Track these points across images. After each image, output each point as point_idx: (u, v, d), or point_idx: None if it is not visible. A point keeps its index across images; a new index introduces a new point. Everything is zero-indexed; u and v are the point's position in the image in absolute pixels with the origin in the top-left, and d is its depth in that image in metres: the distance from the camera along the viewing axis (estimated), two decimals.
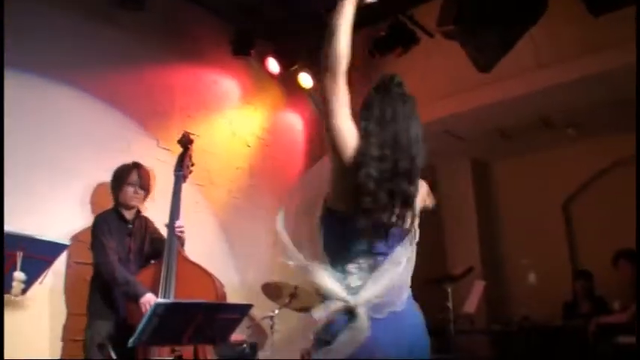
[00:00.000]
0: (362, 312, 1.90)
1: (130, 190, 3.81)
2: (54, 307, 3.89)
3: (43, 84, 4.14)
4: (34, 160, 3.96)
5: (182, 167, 3.92)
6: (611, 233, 5.82)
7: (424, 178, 2.24)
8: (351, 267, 2.00)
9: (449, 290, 5.03)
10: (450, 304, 5.00)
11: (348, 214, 1.98)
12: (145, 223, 3.93)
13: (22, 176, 3.85)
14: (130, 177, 3.80)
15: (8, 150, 3.78)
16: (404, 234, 2.06)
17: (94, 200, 4.20)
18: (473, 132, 6.05)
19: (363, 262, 2.01)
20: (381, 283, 1.96)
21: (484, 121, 5.80)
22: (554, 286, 6.20)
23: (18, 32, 3.93)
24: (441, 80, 5.68)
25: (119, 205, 3.86)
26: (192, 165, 4.00)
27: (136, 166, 3.87)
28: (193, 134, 4.25)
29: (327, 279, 1.99)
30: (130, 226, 3.83)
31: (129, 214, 3.86)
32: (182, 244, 3.77)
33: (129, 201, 3.83)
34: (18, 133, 3.91)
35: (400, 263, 2.02)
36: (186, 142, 4.04)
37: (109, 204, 3.91)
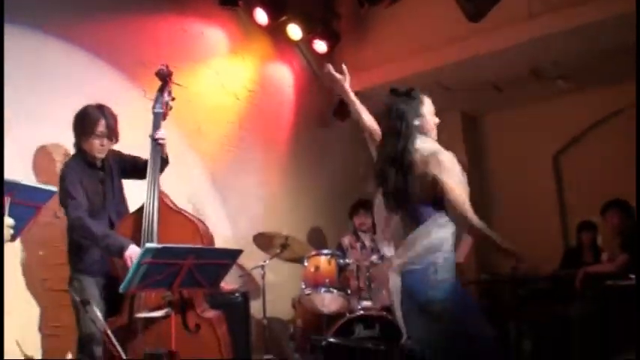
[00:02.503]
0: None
1: (96, 142, 3.43)
2: (39, 258, 3.85)
3: (34, 37, 4.06)
4: (22, 112, 3.88)
5: (161, 103, 3.62)
6: (601, 186, 5.85)
7: None
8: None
9: None
10: None
11: None
12: (111, 160, 3.60)
13: (11, 130, 3.79)
14: (96, 128, 3.40)
15: None
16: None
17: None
18: (463, 84, 6.00)
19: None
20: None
21: (474, 73, 5.75)
22: (543, 237, 6.26)
23: None
24: (430, 31, 5.63)
25: (85, 154, 3.49)
26: (173, 99, 3.69)
27: (102, 112, 3.44)
28: (179, 84, 4.18)
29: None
30: (101, 172, 3.54)
31: (99, 154, 3.50)
32: (165, 157, 3.61)
33: (95, 153, 3.46)
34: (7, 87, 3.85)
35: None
36: (164, 74, 3.68)
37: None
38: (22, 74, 3.92)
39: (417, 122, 2.82)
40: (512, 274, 5.52)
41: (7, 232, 2.34)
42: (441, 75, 5.72)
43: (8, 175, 2.79)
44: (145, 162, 3.55)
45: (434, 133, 2.93)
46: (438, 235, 2.71)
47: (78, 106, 3.57)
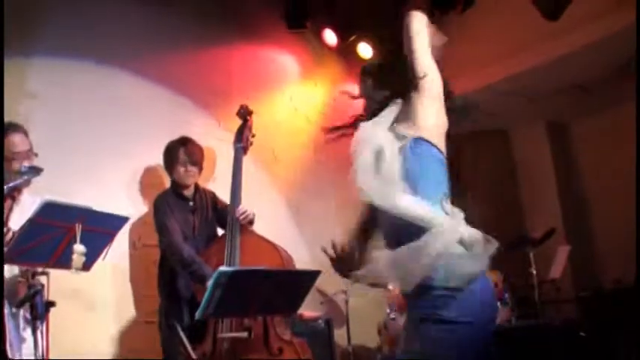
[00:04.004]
0: None
1: (180, 169, 3.74)
2: (119, 289, 3.92)
3: (104, 72, 4.18)
4: (96, 147, 4.00)
5: (242, 139, 3.87)
6: None
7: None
8: None
9: (531, 255, 4.78)
10: (533, 270, 4.75)
11: None
12: (205, 197, 3.87)
13: (85, 163, 3.90)
14: (178, 156, 3.73)
15: (71, 137, 3.86)
16: None
17: (145, 181, 4.24)
18: (544, 90, 5.68)
19: None
20: None
21: (555, 77, 5.42)
22: None
23: (78, 22, 3.99)
24: (504, 37, 5.36)
25: (176, 185, 3.82)
26: (253, 136, 3.93)
27: (182, 142, 3.78)
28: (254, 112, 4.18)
29: None
30: (191, 203, 3.78)
31: (187, 192, 3.80)
32: (251, 223, 3.71)
33: (182, 180, 3.77)
34: (81, 122, 3.97)
35: None
36: (245, 113, 3.99)
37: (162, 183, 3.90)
38: (99, 110, 4.03)
39: None
40: (615, 288, 5.11)
41: (79, 259, 2.32)
42: (519, 83, 5.44)
43: (104, 204, 2.88)
44: None
45: None
46: None
47: (156, 139, 3.86)
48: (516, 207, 6.58)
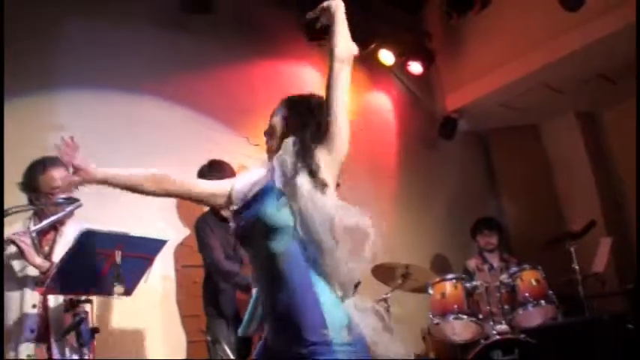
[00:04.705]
0: None
1: None
2: (165, 310, 3.97)
3: (127, 99, 4.25)
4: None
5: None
6: None
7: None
8: None
9: (572, 250, 4.69)
10: (575, 265, 4.66)
11: None
12: None
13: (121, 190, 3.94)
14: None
15: (103, 165, 3.90)
16: None
17: (181, 203, 4.26)
18: (571, 82, 5.59)
19: None
20: None
21: (581, 68, 5.33)
22: None
23: (95, 52, 4.07)
24: (525, 32, 5.31)
25: (213, 208, 3.84)
26: None
27: (212, 166, 3.88)
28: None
29: None
30: (230, 224, 3.81)
31: (226, 212, 3.84)
32: None
33: None
34: (112, 149, 4.03)
35: None
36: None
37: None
38: (128, 137, 4.10)
39: None
40: None
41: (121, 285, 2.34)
42: (545, 75, 5.37)
43: (143, 229, 2.93)
44: None
45: None
46: None
47: (187, 161, 3.91)
48: (553, 202, 6.48)
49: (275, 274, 1.97)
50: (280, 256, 1.96)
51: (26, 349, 2.80)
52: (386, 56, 5.66)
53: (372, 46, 5.54)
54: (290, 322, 1.91)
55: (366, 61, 5.69)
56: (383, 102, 6.03)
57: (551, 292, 4.34)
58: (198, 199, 2.31)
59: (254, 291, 3.21)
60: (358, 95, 5.77)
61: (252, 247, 2.08)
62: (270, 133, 2.22)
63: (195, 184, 2.33)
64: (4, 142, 3.09)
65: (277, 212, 1.96)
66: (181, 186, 2.24)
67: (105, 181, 2.30)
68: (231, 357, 3.17)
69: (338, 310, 1.93)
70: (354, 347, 1.88)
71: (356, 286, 3.65)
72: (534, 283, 4.34)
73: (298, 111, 2.20)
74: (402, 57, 5.73)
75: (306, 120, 2.14)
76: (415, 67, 5.80)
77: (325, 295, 1.93)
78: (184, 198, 2.31)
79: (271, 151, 2.19)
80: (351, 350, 1.88)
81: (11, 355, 2.80)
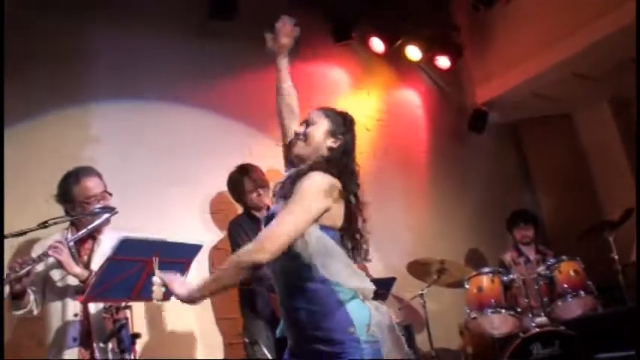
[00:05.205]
0: None
1: (253, 196, 3.87)
2: (202, 314, 4.04)
3: (158, 107, 4.33)
4: (164, 180, 4.13)
5: None
6: None
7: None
8: None
9: (611, 240, 4.62)
10: (615, 255, 4.58)
11: None
12: None
13: (155, 197, 4.04)
14: (244, 185, 3.86)
15: (138, 174, 4.01)
16: None
17: (214, 208, 4.35)
18: (602, 69, 5.48)
19: None
20: None
21: (611, 54, 5.23)
22: None
23: (126, 62, 4.16)
24: (555, 20, 5.24)
25: (249, 209, 3.93)
26: None
27: (244, 172, 3.90)
28: None
29: None
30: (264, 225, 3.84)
31: (260, 214, 3.89)
32: None
33: (258, 205, 3.89)
34: (145, 158, 4.12)
35: None
36: None
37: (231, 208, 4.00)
38: (160, 145, 4.17)
39: None
40: None
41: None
42: (576, 63, 5.29)
43: (179, 235, 2.99)
44: None
45: None
46: None
47: (219, 166, 4.04)
48: (589, 191, 6.37)
49: (293, 280, 2.08)
50: (297, 260, 2.04)
51: (70, 355, 2.88)
52: (413, 52, 5.64)
53: (399, 42, 5.52)
54: (315, 325, 2.00)
55: (393, 58, 5.70)
56: (412, 98, 6.00)
57: (590, 282, 4.28)
58: None
59: None
60: (386, 92, 5.77)
61: None
62: (305, 138, 2.29)
63: None
64: (4, 143, 3.16)
65: None
66: None
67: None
68: (270, 358, 3.21)
69: (362, 308, 2.02)
70: (379, 344, 1.97)
71: (390, 283, 3.67)
72: (573, 274, 4.29)
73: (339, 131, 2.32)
74: (430, 52, 5.69)
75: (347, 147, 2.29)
76: (443, 62, 5.77)
77: (347, 294, 2.02)
78: None
79: (299, 156, 2.27)
80: (377, 347, 1.96)
81: None
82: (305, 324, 2.05)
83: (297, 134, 2.33)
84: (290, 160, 2.33)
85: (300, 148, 2.30)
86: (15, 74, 3.54)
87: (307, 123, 2.34)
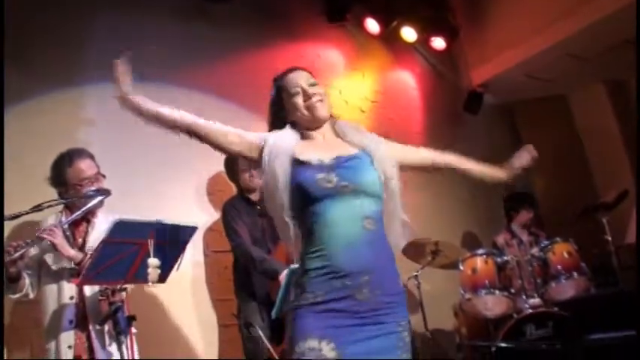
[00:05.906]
0: None
1: (245, 176, 3.86)
2: (197, 295, 4.05)
3: (153, 89, 4.28)
4: (158, 162, 4.11)
5: None
6: None
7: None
8: None
9: (604, 221, 4.64)
10: (608, 237, 4.61)
11: None
12: None
13: (150, 179, 4.03)
14: (239, 164, 3.83)
15: (132, 156, 3.99)
16: None
17: (211, 189, 4.35)
18: (597, 50, 5.46)
19: None
20: None
21: (608, 36, 5.20)
22: None
23: (119, 45, 4.09)
24: (547, 3, 5.21)
25: (243, 190, 3.92)
26: None
27: None
28: None
29: None
30: (259, 207, 3.83)
31: (254, 196, 3.89)
32: None
33: (250, 185, 3.88)
34: (140, 140, 4.09)
35: None
36: None
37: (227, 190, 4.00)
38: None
39: None
40: None
41: (155, 273, 2.40)
42: (571, 45, 5.26)
43: (173, 216, 2.99)
44: None
45: None
46: None
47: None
48: (584, 173, 6.39)
49: (369, 231, 2.06)
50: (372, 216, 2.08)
51: (67, 338, 2.89)
52: (408, 33, 5.59)
53: (394, 23, 5.48)
54: (388, 275, 2.07)
55: (388, 39, 5.66)
56: (407, 79, 5.98)
57: (583, 264, 4.31)
58: (228, 151, 2.30)
59: (283, 276, 3.29)
60: (382, 74, 5.75)
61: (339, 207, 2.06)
62: (322, 97, 2.26)
63: (225, 133, 2.28)
64: (4, 142, 3.15)
65: (378, 182, 2.15)
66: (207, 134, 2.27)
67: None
68: (264, 339, 3.22)
69: None
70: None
71: None
72: (566, 255, 4.32)
73: None
74: (425, 33, 5.65)
75: None
76: (438, 43, 5.73)
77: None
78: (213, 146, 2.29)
79: (325, 118, 2.25)
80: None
81: (52, 345, 2.90)
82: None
83: (316, 95, 2.24)
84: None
85: (325, 110, 2.26)
86: (11, 56, 3.50)
87: (312, 83, 2.28)
